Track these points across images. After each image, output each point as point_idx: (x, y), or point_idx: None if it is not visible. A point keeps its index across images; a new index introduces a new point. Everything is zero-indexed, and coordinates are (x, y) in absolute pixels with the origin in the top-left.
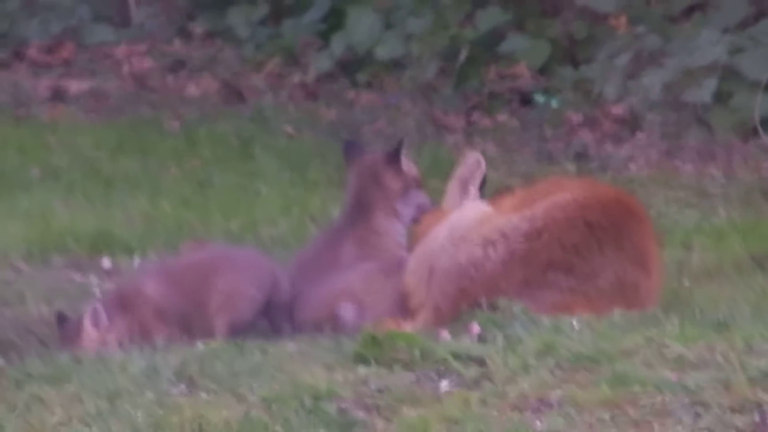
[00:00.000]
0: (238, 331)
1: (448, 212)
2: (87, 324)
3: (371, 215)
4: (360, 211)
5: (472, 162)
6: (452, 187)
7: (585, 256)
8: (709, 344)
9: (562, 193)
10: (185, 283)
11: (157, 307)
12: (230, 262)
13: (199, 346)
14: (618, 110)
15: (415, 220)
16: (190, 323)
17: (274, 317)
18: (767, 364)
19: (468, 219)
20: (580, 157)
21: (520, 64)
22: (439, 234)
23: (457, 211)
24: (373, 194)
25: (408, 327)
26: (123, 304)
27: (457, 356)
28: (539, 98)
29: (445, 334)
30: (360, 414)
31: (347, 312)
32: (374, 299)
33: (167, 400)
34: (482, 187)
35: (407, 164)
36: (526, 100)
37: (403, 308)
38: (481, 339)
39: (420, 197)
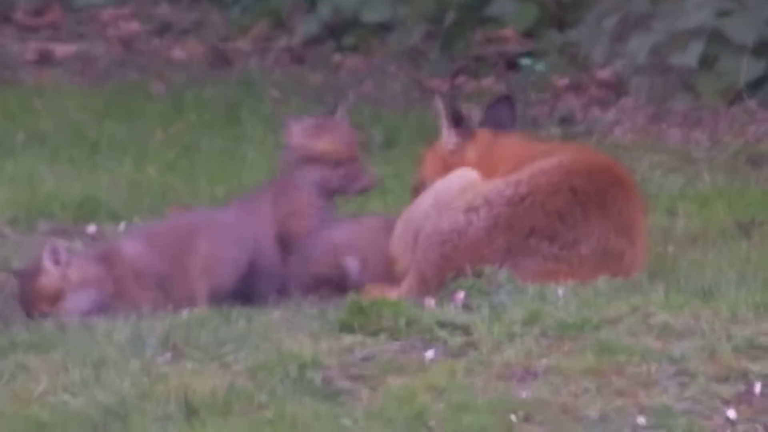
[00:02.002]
0: (219, 296)
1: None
2: (45, 260)
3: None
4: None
5: (438, 103)
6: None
7: (568, 222)
8: (694, 312)
9: (549, 157)
10: (165, 245)
11: (135, 268)
12: (212, 226)
13: (184, 313)
14: (604, 74)
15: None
16: (170, 287)
17: (258, 283)
18: (752, 333)
19: (453, 186)
20: (565, 121)
21: (507, 27)
22: (424, 200)
23: (444, 178)
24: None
25: (393, 294)
26: (100, 258)
27: (442, 325)
28: (526, 62)
29: (431, 302)
30: (345, 383)
31: (353, 265)
32: (376, 254)
33: (153, 368)
34: (458, 120)
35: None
36: (512, 63)
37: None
38: (467, 307)
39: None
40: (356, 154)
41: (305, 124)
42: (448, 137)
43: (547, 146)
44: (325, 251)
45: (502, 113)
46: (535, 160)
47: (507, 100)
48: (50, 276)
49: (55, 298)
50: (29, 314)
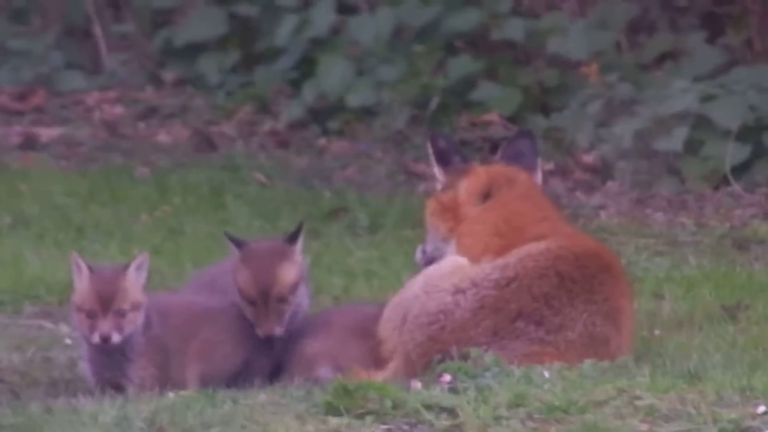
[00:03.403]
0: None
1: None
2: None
3: None
4: None
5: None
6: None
7: (554, 307)
8: (681, 395)
9: (538, 242)
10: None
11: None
12: (211, 313)
13: (170, 395)
14: (589, 159)
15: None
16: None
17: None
18: (738, 416)
19: (443, 269)
20: None
21: (491, 112)
22: (414, 284)
23: (437, 264)
24: None
25: (379, 376)
26: None
27: (428, 407)
28: None
29: (417, 384)
30: None
31: (326, 373)
32: (349, 358)
33: None
34: (447, 159)
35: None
36: (497, 147)
37: (377, 360)
38: (453, 389)
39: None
40: (267, 297)
41: (245, 251)
42: (438, 177)
43: (539, 224)
44: (299, 363)
45: (521, 147)
46: (526, 233)
47: (527, 134)
48: None
49: None
50: None
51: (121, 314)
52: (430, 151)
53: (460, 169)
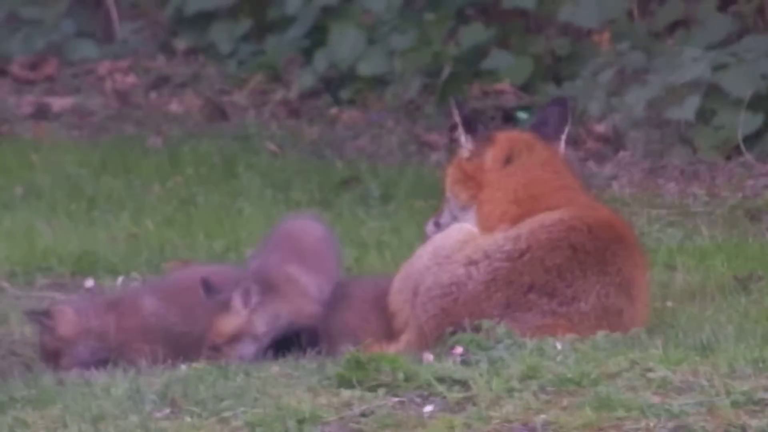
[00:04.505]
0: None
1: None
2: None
3: None
4: None
5: (452, 107)
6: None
7: (567, 278)
8: (693, 367)
9: (551, 212)
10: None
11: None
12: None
13: (183, 368)
14: (601, 128)
15: None
16: (178, 341)
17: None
18: (751, 388)
19: (453, 239)
20: None
21: (503, 81)
22: (424, 254)
23: (443, 232)
24: None
25: (392, 349)
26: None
27: (441, 379)
28: (522, 115)
29: (429, 357)
30: None
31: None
32: (368, 332)
33: (151, 423)
34: (474, 126)
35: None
36: (508, 117)
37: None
38: (465, 361)
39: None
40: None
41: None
42: (464, 144)
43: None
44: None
45: (548, 114)
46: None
47: (559, 102)
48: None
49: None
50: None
51: None
52: (457, 117)
53: (486, 136)
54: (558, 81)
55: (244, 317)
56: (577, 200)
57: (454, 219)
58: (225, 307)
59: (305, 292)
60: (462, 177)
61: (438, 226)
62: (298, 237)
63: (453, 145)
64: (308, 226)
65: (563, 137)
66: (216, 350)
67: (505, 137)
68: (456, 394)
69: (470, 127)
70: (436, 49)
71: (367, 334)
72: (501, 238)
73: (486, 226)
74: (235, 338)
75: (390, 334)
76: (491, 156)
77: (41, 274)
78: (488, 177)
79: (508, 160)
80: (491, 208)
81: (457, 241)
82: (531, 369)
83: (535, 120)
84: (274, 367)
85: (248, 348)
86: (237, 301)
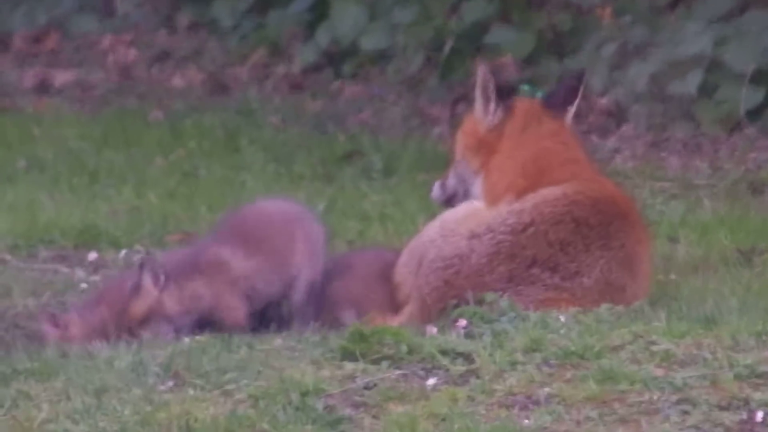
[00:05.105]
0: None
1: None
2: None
3: None
4: None
5: (481, 75)
6: (477, 104)
7: (570, 253)
8: (696, 340)
9: (554, 187)
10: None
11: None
12: None
13: (186, 340)
14: (603, 102)
15: None
16: None
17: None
18: (754, 361)
19: (459, 214)
20: None
21: (505, 55)
22: (431, 228)
23: (452, 209)
24: None
25: (395, 321)
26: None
27: (444, 352)
28: (525, 90)
29: (432, 329)
30: (347, 410)
31: (349, 317)
32: (371, 301)
33: (154, 396)
34: (506, 93)
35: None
36: (513, 90)
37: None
38: (468, 334)
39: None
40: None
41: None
42: (490, 112)
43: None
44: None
45: (560, 87)
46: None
47: (573, 77)
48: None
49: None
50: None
51: None
52: (492, 84)
53: (508, 105)
54: (560, 55)
55: (155, 297)
56: (581, 175)
57: (461, 182)
58: (137, 288)
59: (234, 279)
60: (476, 144)
61: (444, 188)
62: (248, 220)
63: (455, 118)
64: (270, 209)
65: (572, 109)
66: (130, 332)
67: (523, 106)
68: (459, 367)
69: (503, 96)
70: (438, 24)
71: (370, 303)
72: (505, 212)
73: (491, 196)
74: (147, 318)
75: (392, 305)
76: (510, 124)
77: (44, 246)
78: (503, 144)
79: (523, 129)
80: (498, 177)
81: (463, 215)
82: (534, 342)
83: (549, 92)
84: (278, 340)
85: (162, 328)
86: (147, 281)
